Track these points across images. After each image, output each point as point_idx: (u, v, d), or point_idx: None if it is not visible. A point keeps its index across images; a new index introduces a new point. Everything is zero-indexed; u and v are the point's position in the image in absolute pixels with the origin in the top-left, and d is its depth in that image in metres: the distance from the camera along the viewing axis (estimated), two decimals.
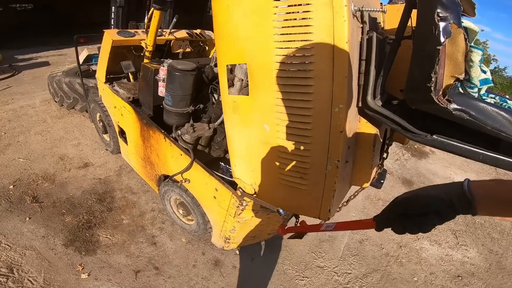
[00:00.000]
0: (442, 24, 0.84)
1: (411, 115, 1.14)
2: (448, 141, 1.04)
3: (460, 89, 1.00)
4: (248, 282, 2.11)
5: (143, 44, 2.60)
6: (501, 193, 0.57)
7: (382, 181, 1.86)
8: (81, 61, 4.07)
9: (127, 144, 2.75)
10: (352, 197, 1.89)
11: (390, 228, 0.73)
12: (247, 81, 1.32)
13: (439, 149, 1.09)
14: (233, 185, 1.69)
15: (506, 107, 0.94)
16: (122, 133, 2.79)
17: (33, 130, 3.50)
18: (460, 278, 2.49)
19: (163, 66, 2.07)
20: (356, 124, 1.39)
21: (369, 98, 1.21)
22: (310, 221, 1.45)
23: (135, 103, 2.47)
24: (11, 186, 2.61)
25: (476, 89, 0.98)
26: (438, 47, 0.88)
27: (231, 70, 1.48)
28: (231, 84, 1.49)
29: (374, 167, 1.66)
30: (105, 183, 2.86)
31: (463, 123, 0.94)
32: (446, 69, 0.97)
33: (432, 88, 0.90)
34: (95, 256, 2.13)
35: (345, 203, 1.88)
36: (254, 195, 1.55)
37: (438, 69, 0.88)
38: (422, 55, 0.99)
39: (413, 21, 1.12)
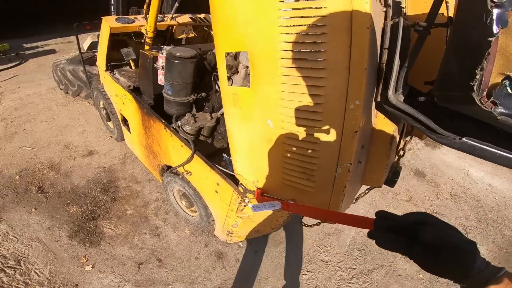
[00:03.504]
0: (496, 11, 0.66)
1: (436, 112, 0.98)
2: (481, 146, 0.88)
3: (509, 89, 0.82)
4: (250, 275, 2.06)
5: (143, 30, 2.49)
6: None
7: (395, 180, 1.71)
8: (85, 48, 4.03)
9: (130, 133, 2.68)
10: (363, 194, 1.77)
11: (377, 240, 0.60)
12: None
13: (469, 153, 0.94)
14: (235, 179, 1.59)
15: None
16: (125, 121, 2.71)
17: (39, 118, 3.47)
18: None
19: (162, 53, 1.93)
20: (373, 120, 1.24)
21: (391, 92, 1.04)
22: None
23: (136, 91, 2.37)
24: (17, 177, 2.60)
25: None
26: (489, 39, 0.71)
27: (235, 56, 1.34)
28: (235, 72, 1.35)
29: (389, 166, 1.52)
30: (109, 172, 2.82)
31: (508, 130, 0.78)
32: (495, 64, 0.79)
33: (475, 88, 0.74)
34: (99, 248, 2.12)
35: (354, 201, 1.76)
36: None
37: (485, 65, 0.71)
38: (465, 47, 0.82)
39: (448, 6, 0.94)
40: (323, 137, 1.05)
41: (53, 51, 5.68)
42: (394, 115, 1.13)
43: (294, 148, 1.15)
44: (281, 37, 0.99)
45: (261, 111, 1.17)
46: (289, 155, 1.18)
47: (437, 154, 3.52)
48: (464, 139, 0.90)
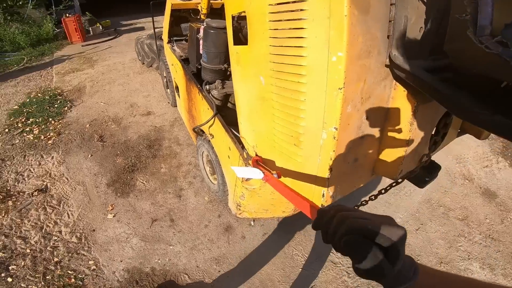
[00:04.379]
0: None
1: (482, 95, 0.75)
2: None
3: None
4: (250, 256, 2.01)
5: (199, 7, 2.65)
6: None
7: (427, 179, 1.41)
8: None
9: (179, 98, 2.92)
10: (384, 191, 1.52)
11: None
12: None
13: (501, 135, 0.72)
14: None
15: None
16: (177, 88, 2.97)
17: (117, 82, 4.09)
18: None
19: (203, 25, 2.03)
20: (388, 91, 1.05)
21: (395, 52, 0.87)
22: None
23: (185, 61, 2.57)
24: (88, 125, 3.14)
25: None
26: None
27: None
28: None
29: (414, 157, 1.27)
30: (158, 131, 3.14)
31: None
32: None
33: (469, 24, 0.55)
34: (127, 199, 2.35)
35: (373, 197, 1.53)
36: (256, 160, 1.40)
37: None
38: None
39: None
40: (308, 94, 0.95)
41: (142, 28, 6.57)
42: (419, 89, 0.93)
43: (281, 107, 1.07)
44: None
45: (256, 68, 1.13)
46: (277, 114, 1.11)
47: None
48: (498, 115, 0.69)
